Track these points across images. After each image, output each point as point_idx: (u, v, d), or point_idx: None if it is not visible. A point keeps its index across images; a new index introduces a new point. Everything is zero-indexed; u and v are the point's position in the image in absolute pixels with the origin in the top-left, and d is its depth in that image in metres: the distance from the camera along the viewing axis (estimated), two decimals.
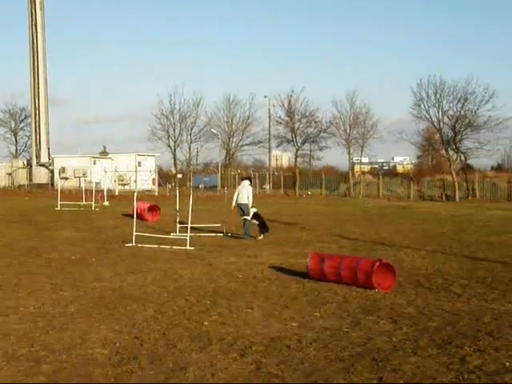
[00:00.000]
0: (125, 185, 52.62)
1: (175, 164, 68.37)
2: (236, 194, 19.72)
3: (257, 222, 19.28)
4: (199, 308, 9.13)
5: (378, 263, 10.52)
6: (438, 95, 54.61)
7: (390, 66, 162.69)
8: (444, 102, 54.82)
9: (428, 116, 55.44)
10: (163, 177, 58.67)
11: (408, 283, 11.25)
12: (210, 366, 6.39)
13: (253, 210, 19.31)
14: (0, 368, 6.26)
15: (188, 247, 16.20)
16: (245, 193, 19.41)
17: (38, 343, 7.15)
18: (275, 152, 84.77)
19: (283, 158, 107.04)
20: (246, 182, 19.93)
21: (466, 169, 57.67)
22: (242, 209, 19.32)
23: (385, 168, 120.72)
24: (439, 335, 7.59)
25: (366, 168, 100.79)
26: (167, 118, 66.96)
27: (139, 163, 55.06)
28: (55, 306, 9.11)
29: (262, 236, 18.89)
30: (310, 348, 7.05)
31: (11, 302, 9.41)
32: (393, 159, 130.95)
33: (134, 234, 16.96)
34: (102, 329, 7.82)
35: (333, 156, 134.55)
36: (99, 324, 8.07)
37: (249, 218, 19.15)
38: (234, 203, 19.53)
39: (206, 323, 8.18)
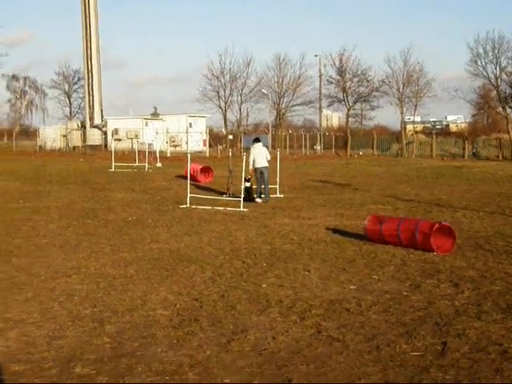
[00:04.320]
0: (176, 146, 52.86)
1: (226, 125, 68.24)
2: (252, 157, 18.59)
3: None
4: (256, 270, 9.14)
5: (437, 225, 10.32)
6: (496, 51, 52.75)
7: (446, 21, 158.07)
8: (502, 58, 52.95)
9: (485, 73, 53.72)
10: (214, 138, 58.65)
11: (467, 246, 11.00)
12: (270, 328, 6.41)
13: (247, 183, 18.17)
14: (66, 328, 6.42)
15: (242, 209, 16.23)
16: (263, 154, 18.64)
17: (101, 304, 7.30)
18: (326, 112, 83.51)
19: (334, 117, 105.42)
20: (260, 144, 19.08)
21: None
22: (262, 172, 18.52)
23: (437, 127, 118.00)
24: (503, 299, 7.42)
25: (419, 127, 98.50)
26: (217, 78, 66.63)
27: (190, 124, 55.15)
28: (115, 268, 9.28)
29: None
30: (370, 312, 6.98)
31: (73, 262, 9.64)
32: (446, 118, 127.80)
33: (189, 195, 17.09)
34: (161, 290, 7.93)
35: (384, 115, 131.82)
36: (159, 285, 8.18)
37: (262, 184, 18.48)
38: (251, 167, 18.46)
39: (263, 285, 8.19)
